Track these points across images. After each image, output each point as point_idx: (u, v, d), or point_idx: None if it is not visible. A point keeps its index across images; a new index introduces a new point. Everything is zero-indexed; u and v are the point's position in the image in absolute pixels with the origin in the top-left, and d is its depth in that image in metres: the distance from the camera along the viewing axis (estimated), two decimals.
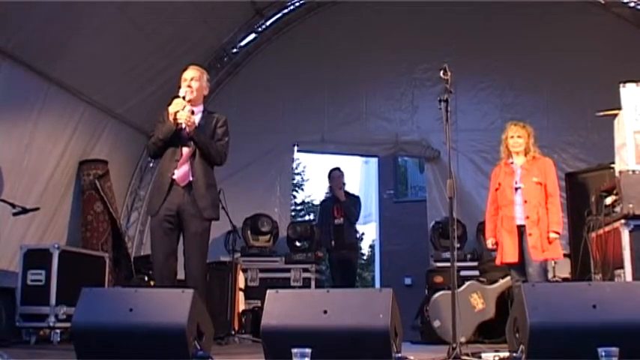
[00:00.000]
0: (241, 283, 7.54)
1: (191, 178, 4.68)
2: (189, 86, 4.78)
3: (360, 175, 17.66)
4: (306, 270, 7.85)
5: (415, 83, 8.78)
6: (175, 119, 4.65)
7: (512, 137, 5.24)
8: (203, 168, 4.74)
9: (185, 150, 4.72)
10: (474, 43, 8.46)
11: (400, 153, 9.41)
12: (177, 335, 3.55)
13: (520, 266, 5.12)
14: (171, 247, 4.69)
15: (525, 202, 5.11)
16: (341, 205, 8.12)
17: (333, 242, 8.00)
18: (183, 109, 4.67)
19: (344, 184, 8.32)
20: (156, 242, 4.72)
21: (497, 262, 5.29)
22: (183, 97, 4.71)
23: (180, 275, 4.77)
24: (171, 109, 4.67)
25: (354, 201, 8.28)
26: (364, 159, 15.88)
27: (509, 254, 5.11)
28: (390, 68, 8.84)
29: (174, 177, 4.67)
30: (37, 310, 5.78)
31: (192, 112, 4.80)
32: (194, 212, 4.66)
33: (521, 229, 5.12)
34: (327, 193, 8.34)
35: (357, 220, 8.47)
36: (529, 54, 8.40)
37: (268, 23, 8.98)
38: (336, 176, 8.26)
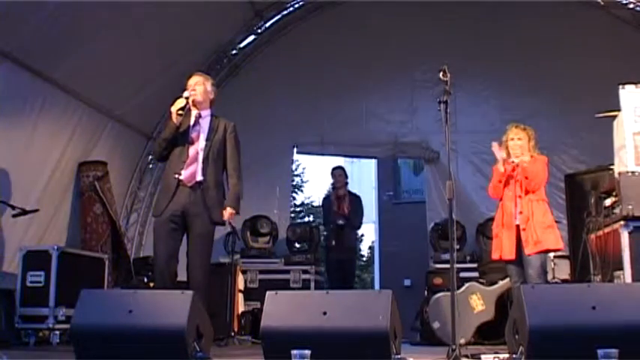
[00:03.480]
0: (241, 285, 7.54)
1: (199, 179, 4.73)
2: (193, 89, 4.89)
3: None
4: (305, 271, 7.85)
5: (415, 85, 8.78)
6: (177, 118, 4.74)
7: (512, 139, 5.23)
8: (214, 172, 4.81)
9: (191, 151, 4.79)
10: (474, 45, 8.47)
11: (400, 154, 9.42)
12: (177, 337, 3.55)
13: (518, 263, 5.11)
14: (174, 248, 4.71)
15: (519, 197, 5.12)
16: (342, 202, 8.02)
17: (334, 242, 7.87)
18: (184, 110, 4.75)
19: (346, 182, 8.27)
20: (159, 242, 4.74)
21: (495, 256, 5.25)
22: (187, 98, 4.80)
23: (181, 276, 4.77)
24: (174, 108, 4.76)
25: (355, 207, 8.10)
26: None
27: (506, 251, 5.10)
28: (390, 70, 8.83)
29: (181, 177, 4.73)
30: (36, 311, 5.76)
31: (200, 116, 4.88)
32: (199, 213, 4.69)
33: (519, 228, 5.12)
34: (328, 190, 8.25)
35: (359, 226, 8.40)
36: (529, 55, 8.40)
37: (268, 24, 8.98)
38: (337, 174, 8.19)
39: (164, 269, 4.66)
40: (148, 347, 3.57)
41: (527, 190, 5.08)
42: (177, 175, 4.73)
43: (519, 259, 5.09)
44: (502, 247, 5.14)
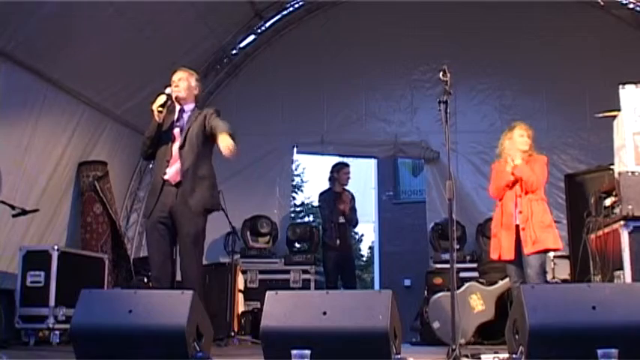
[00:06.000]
0: (241, 285, 7.54)
1: (180, 178, 4.64)
2: (176, 85, 4.80)
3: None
4: (305, 271, 7.85)
5: (414, 85, 8.80)
6: (159, 115, 4.65)
7: (522, 136, 5.23)
8: (194, 159, 4.66)
9: (175, 148, 4.70)
10: (474, 45, 8.47)
11: (400, 154, 9.40)
12: (177, 337, 3.55)
13: (517, 263, 5.11)
14: (168, 250, 4.66)
15: (520, 197, 5.13)
16: (342, 200, 7.86)
17: (338, 241, 7.63)
18: (164, 107, 4.66)
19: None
20: (152, 245, 4.71)
21: (494, 256, 5.24)
22: (168, 94, 4.72)
23: (179, 276, 4.76)
24: (154, 105, 4.67)
25: (353, 205, 7.90)
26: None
27: (505, 251, 5.10)
28: (390, 69, 8.84)
29: (166, 177, 4.66)
30: (36, 311, 5.76)
31: (183, 111, 4.82)
32: (185, 213, 4.61)
33: (518, 228, 5.12)
34: (329, 188, 7.93)
35: (357, 223, 8.32)
36: (528, 55, 8.41)
37: (268, 25, 8.98)
38: (347, 172, 7.90)
39: (159, 274, 4.61)
40: (148, 347, 3.57)
41: (526, 190, 5.09)
42: (162, 175, 4.66)
43: (519, 259, 5.09)
44: (501, 247, 5.15)
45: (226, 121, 4.67)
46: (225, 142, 4.42)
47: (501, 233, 5.15)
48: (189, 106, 4.85)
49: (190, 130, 4.73)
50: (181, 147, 4.67)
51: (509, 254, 5.09)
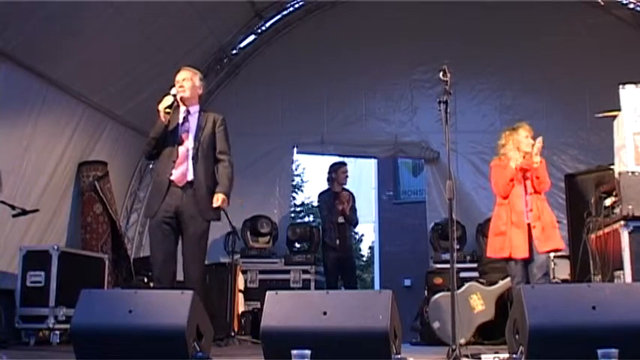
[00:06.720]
0: (241, 285, 7.54)
1: (190, 178, 4.67)
2: (181, 86, 4.81)
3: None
4: (305, 271, 7.84)
5: (414, 85, 8.79)
6: (165, 116, 4.67)
7: (527, 137, 5.26)
8: (205, 169, 4.74)
9: (181, 150, 4.72)
10: (473, 45, 8.46)
11: (400, 154, 9.40)
12: (177, 337, 3.55)
13: (525, 263, 5.11)
14: (170, 250, 4.68)
15: (530, 194, 5.14)
16: (342, 199, 7.79)
17: (338, 241, 7.64)
18: (171, 108, 4.69)
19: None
20: (155, 245, 4.72)
21: (505, 254, 5.18)
22: (174, 95, 4.74)
23: (180, 277, 4.77)
24: (161, 106, 4.68)
25: (353, 204, 7.87)
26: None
27: (520, 249, 5.06)
28: (390, 69, 8.83)
29: (172, 177, 4.67)
30: (36, 311, 5.77)
31: (189, 113, 4.82)
32: (193, 213, 4.65)
33: (529, 227, 5.12)
34: (328, 188, 7.90)
35: (357, 224, 8.33)
36: (528, 55, 8.41)
37: (268, 25, 8.98)
38: (345, 171, 7.91)
39: (162, 271, 4.64)
40: (148, 347, 3.57)
41: (536, 189, 5.12)
42: (168, 176, 4.67)
43: (528, 258, 5.09)
44: (512, 246, 5.10)
45: (227, 140, 4.89)
46: (217, 203, 4.70)
47: (512, 231, 5.12)
48: (194, 108, 4.88)
49: (203, 139, 4.77)
50: (195, 155, 4.71)
51: (523, 252, 5.06)
